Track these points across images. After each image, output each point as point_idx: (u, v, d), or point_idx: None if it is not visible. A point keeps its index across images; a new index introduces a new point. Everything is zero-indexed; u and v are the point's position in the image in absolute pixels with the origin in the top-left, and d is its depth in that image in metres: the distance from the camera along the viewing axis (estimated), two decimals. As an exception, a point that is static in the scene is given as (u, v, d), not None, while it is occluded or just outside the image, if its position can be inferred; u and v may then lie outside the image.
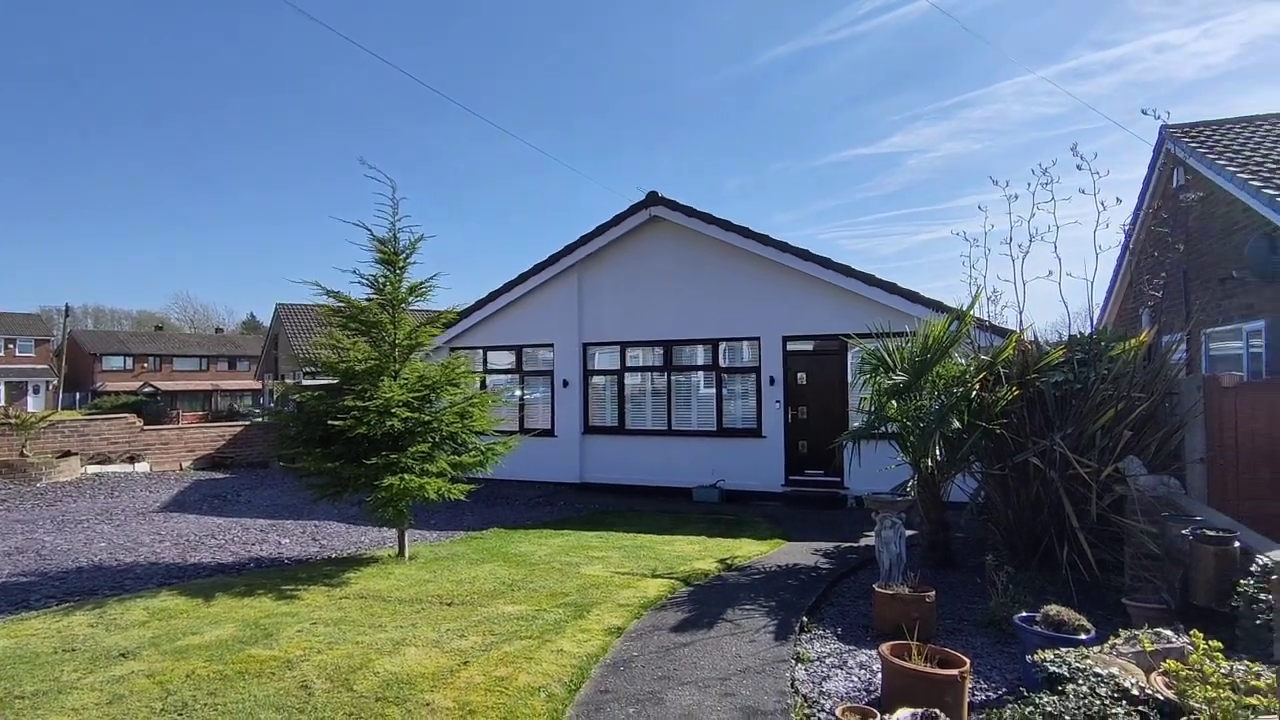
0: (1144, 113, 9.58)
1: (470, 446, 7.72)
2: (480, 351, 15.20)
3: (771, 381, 12.71)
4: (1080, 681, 3.61)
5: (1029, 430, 7.50)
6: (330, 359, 7.32)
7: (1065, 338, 7.88)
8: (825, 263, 12.25)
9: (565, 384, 14.24)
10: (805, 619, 6.07)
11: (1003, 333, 8.46)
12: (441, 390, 7.47)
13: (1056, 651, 3.98)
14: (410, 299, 7.73)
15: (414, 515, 10.17)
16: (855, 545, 9.16)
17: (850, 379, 12.35)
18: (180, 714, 4.01)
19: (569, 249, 14.11)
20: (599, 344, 14.22)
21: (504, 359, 15.21)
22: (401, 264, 7.60)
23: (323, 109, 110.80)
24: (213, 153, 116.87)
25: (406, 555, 7.71)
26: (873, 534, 10.14)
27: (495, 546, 8.60)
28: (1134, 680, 3.62)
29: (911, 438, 7.59)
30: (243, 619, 5.71)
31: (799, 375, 12.78)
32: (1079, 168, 7.85)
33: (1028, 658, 4.08)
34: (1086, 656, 3.90)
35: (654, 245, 13.78)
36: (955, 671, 4.32)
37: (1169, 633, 4.23)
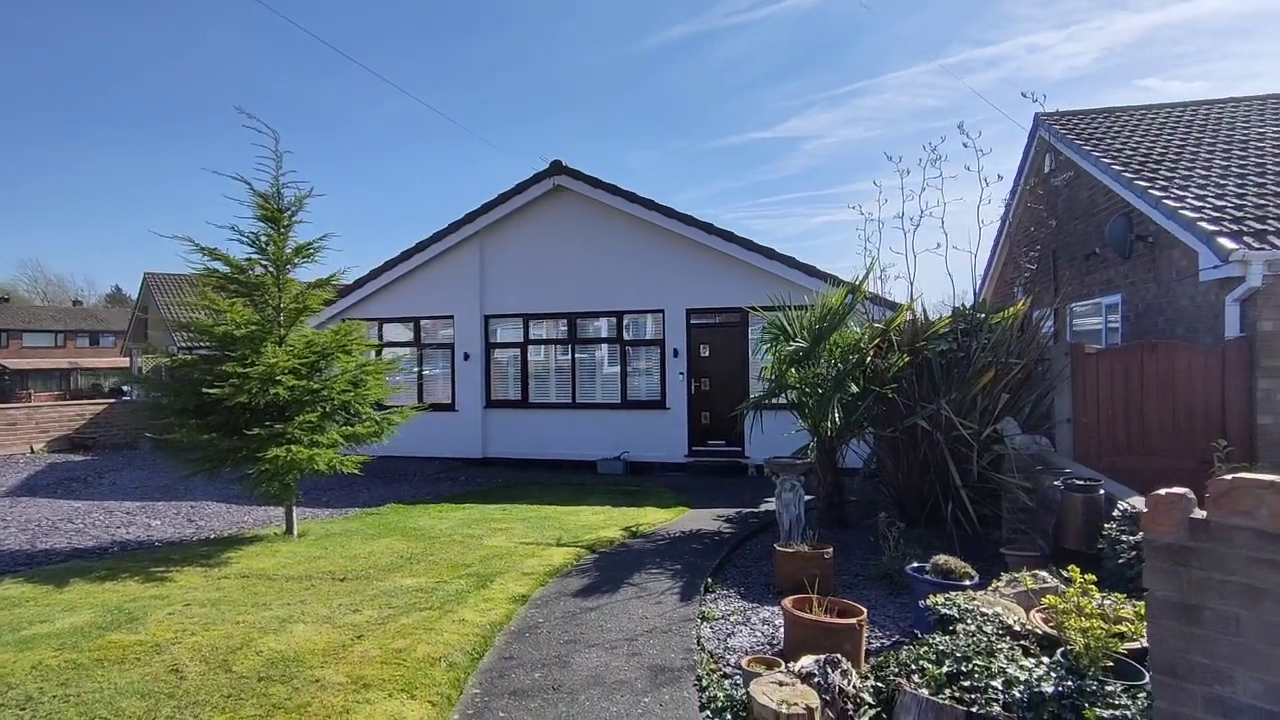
0: (1024, 95, 10.16)
1: (364, 417, 7.29)
2: (376, 324, 14.46)
3: (675, 354, 12.78)
4: (969, 621, 3.78)
5: (918, 395, 7.85)
6: (205, 323, 6.69)
7: (950, 311, 8.28)
8: (728, 236, 12.37)
9: (466, 357, 13.79)
10: (710, 580, 6.12)
11: (893, 306, 8.81)
12: (333, 358, 6.99)
13: (946, 596, 4.17)
14: (297, 260, 7.17)
15: (305, 493, 9.62)
16: (756, 510, 9.37)
17: (752, 351, 12.60)
18: (24, 709, 3.55)
19: (470, 217, 13.60)
20: (501, 316, 13.84)
21: (402, 332, 14.55)
22: (286, 222, 7.02)
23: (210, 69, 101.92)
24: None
25: (295, 533, 7.22)
26: (773, 499, 10.45)
27: (393, 522, 8.21)
28: (1016, 618, 3.84)
29: (811, 403, 7.79)
30: (103, 604, 5.14)
31: (702, 348, 12.91)
32: (965, 145, 8.26)
33: (921, 604, 4.25)
34: (974, 599, 4.10)
35: (558, 216, 13.49)
36: (854, 620, 4.45)
37: (1045, 574, 4.53)
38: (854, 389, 7.43)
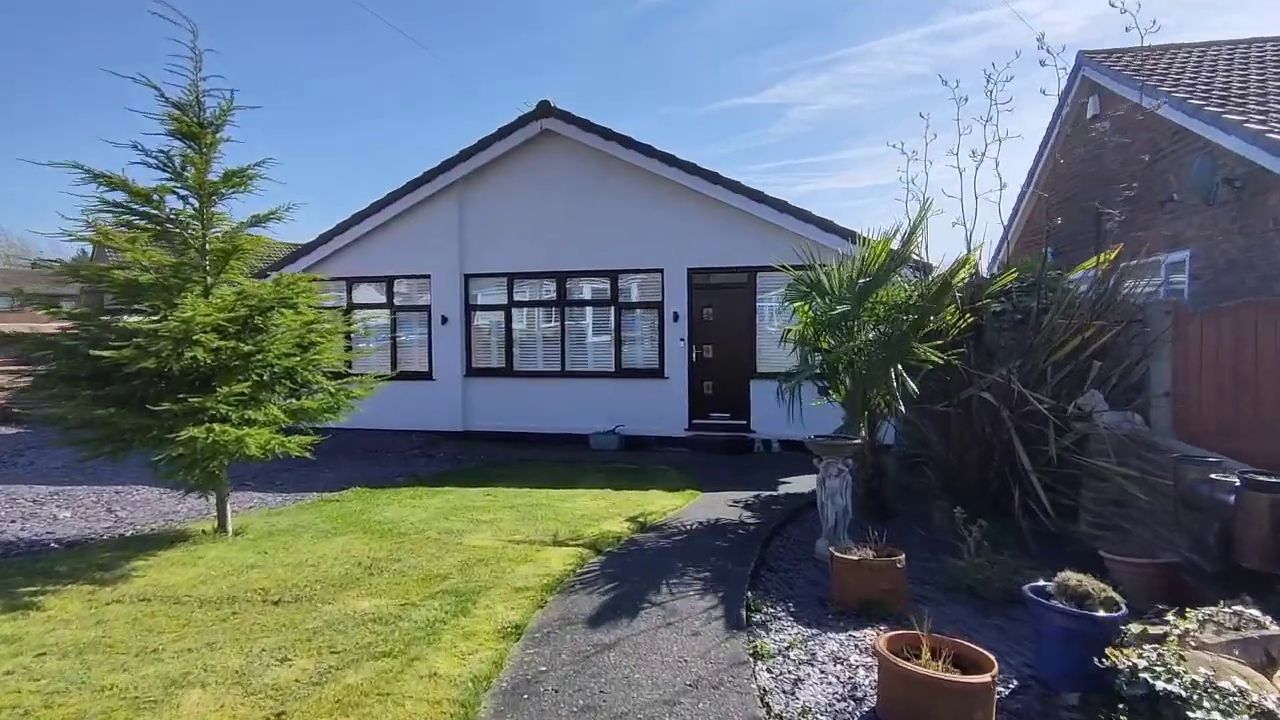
0: (1039, 44, 8.36)
1: (316, 387, 5.71)
2: (344, 284, 12.74)
3: (675, 318, 11.28)
4: (1206, 705, 2.41)
5: (973, 363, 6.49)
6: (98, 268, 5.05)
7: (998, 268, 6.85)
8: (735, 187, 10.80)
9: (444, 321, 12.15)
10: (750, 595, 4.73)
11: (924, 268, 7.36)
12: (274, 313, 5.39)
13: (1141, 652, 2.80)
14: (226, 190, 5.52)
15: (253, 477, 8.02)
16: (776, 494, 7.98)
17: (759, 316, 11.15)
18: None
19: (447, 165, 11.85)
20: (483, 276, 12.18)
21: (373, 293, 12.84)
22: (210, 140, 5.35)
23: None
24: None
25: (230, 531, 5.65)
26: (791, 480, 9.10)
27: (355, 512, 6.69)
28: (1273, 697, 2.48)
29: (855, 371, 6.36)
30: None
31: (705, 311, 11.41)
32: (989, 93, 6.79)
33: (1099, 661, 2.87)
34: (1181, 656, 2.75)
35: (546, 164, 11.80)
36: (987, 677, 3.07)
37: (1253, 612, 3.17)
38: (916, 354, 6.01)
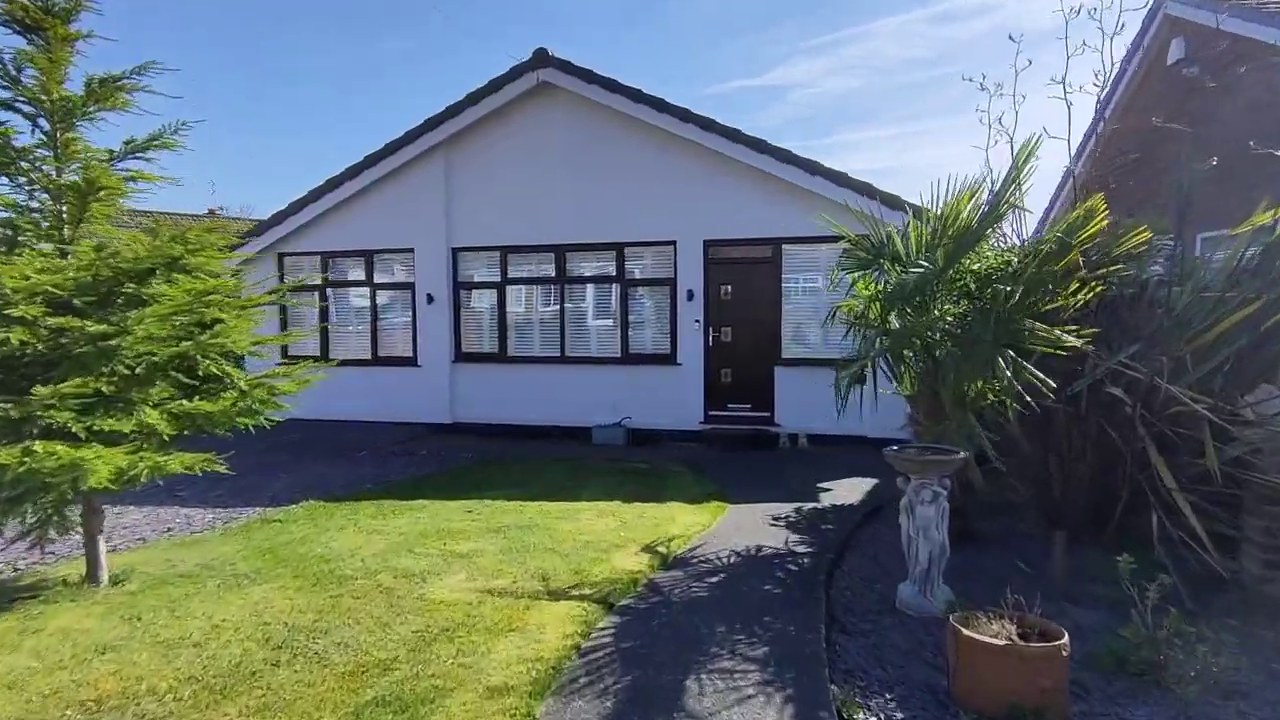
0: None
1: (225, 381, 4.05)
2: (318, 258, 11.03)
3: (690, 297, 9.59)
4: None
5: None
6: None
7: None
8: (758, 144, 9.05)
9: (430, 300, 10.46)
10: (834, 688, 3.11)
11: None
12: (155, 279, 3.72)
13: None
14: (93, 109, 3.82)
15: (189, 483, 6.29)
16: (819, 506, 6.36)
17: (785, 293, 9.47)
18: None
19: (432, 123, 10.08)
20: (473, 249, 10.46)
21: (351, 268, 11.13)
22: (61, 32, 3.65)
23: None
24: None
25: (104, 577, 3.98)
26: (831, 486, 7.44)
27: (295, 541, 5.03)
28: None
29: (950, 355, 4.71)
30: None
31: (723, 289, 9.72)
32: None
33: None
34: None
35: (544, 121, 10.04)
36: None
37: None
38: (1033, 336, 4.35)
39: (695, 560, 4.76)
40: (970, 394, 4.63)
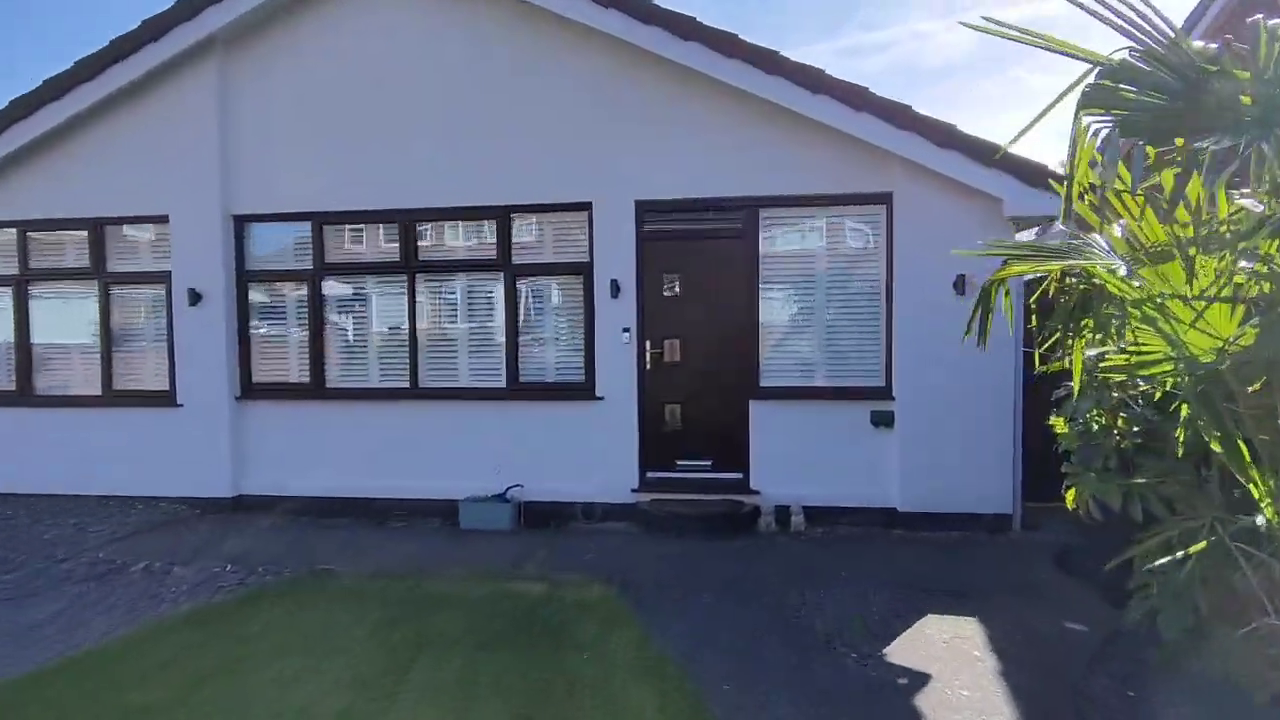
0: None
1: None
2: (12, 233, 6.71)
3: (615, 291, 5.86)
4: None
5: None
6: None
7: None
8: (729, 43, 5.48)
9: (197, 299, 6.31)
10: None
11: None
12: None
13: None
14: None
15: None
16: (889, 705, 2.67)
17: (762, 283, 5.89)
18: None
19: (197, 5, 6.05)
20: (268, 217, 6.40)
21: (64, 248, 6.81)
22: None
23: None
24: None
25: None
26: (907, 664, 3.43)
27: None
28: None
29: None
30: None
31: (666, 279, 6.05)
32: None
33: None
34: None
35: (384, 19, 6.19)
36: None
37: None
38: None
39: None
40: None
